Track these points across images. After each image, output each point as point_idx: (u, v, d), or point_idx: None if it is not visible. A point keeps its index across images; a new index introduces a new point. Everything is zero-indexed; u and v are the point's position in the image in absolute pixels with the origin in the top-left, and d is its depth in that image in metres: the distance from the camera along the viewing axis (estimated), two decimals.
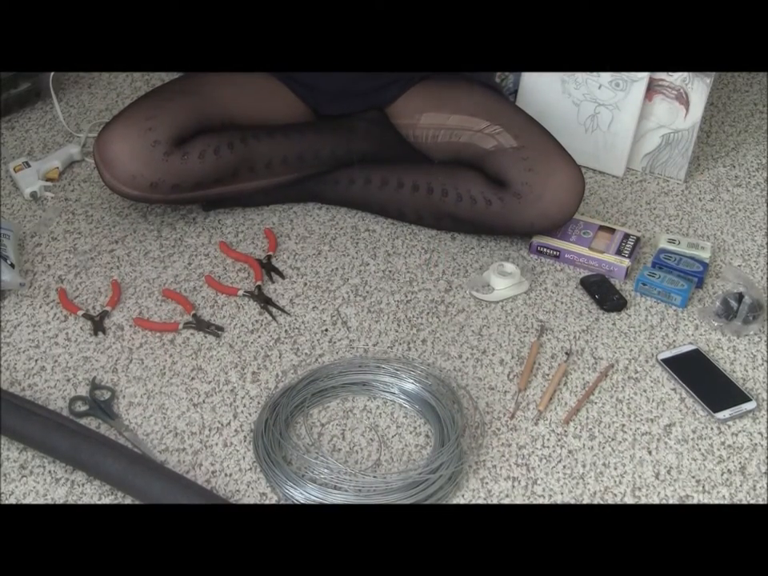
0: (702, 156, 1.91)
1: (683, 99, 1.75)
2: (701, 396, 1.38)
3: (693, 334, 1.50)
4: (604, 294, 1.56)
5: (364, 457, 1.30)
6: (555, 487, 1.27)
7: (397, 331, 1.49)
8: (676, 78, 1.74)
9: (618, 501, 1.25)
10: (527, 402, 1.38)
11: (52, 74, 1.90)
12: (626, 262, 1.59)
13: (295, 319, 1.51)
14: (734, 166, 1.89)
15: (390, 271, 1.61)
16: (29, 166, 1.77)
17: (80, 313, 1.49)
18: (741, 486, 1.28)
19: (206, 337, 1.47)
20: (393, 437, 1.33)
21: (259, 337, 1.48)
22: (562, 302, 1.56)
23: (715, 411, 1.36)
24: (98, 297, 1.54)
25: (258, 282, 1.56)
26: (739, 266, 1.64)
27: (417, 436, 1.33)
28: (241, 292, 1.55)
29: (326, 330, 1.49)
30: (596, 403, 1.39)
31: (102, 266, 1.60)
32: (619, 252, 1.61)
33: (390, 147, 1.71)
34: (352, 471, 1.26)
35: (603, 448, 1.32)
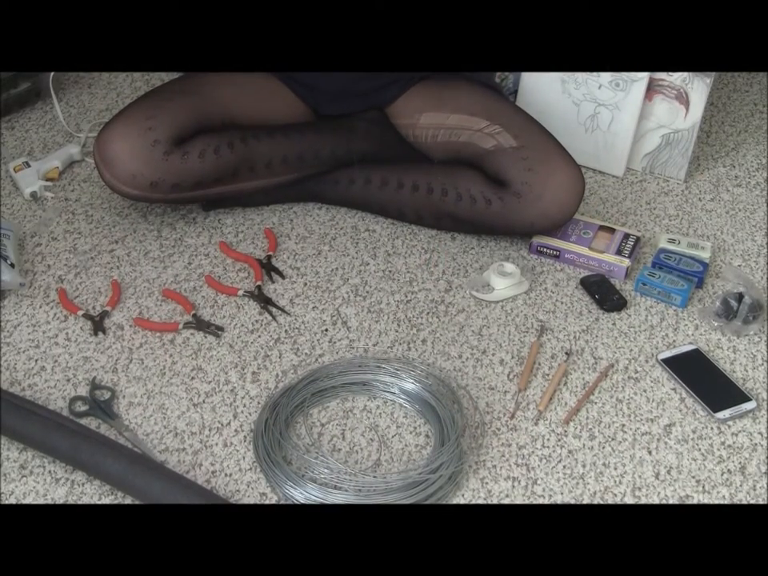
0: (701, 156, 1.91)
1: (683, 99, 1.75)
2: (701, 396, 1.38)
3: (693, 334, 1.50)
4: (604, 293, 1.55)
5: (364, 457, 1.30)
6: (555, 487, 1.27)
7: (397, 331, 1.49)
8: (676, 77, 1.74)
9: (618, 501, 1.25)
10: (527, 402, 1.38)
11: (52, 74, 1.90)
12: (626, 262, 1.59)
13: (295, 319, 1.51)
14: (734, 166, 1.89)
15: (390, 271, 1.61)
16: (29, 165, 1.77)
17: (80, 313, 1.49)
18: (741, 486, 1.28)
19: (206, 337, 1.47)
20: (393, 437, 1.33)
21: (259, 337, 1.48)
22: (561, 302, 1.56)
23: (715, 411, 1.36)
24: (98, 297, 1.54)
25: (258, 282, 1.56)
26: (739, 265, 1.64)
27: (417, 436, 1.33)
28: (241, 292, 1.55)
29: (326, 330, 1.49)
30: (596, 403, 1.39)
31: (102, 266, 1.60)
32: (619, 252, 1.61)
33: (389, 147, 1.70)
34: (352, 471, 1.26)
35: (603, 448, 1.32)
